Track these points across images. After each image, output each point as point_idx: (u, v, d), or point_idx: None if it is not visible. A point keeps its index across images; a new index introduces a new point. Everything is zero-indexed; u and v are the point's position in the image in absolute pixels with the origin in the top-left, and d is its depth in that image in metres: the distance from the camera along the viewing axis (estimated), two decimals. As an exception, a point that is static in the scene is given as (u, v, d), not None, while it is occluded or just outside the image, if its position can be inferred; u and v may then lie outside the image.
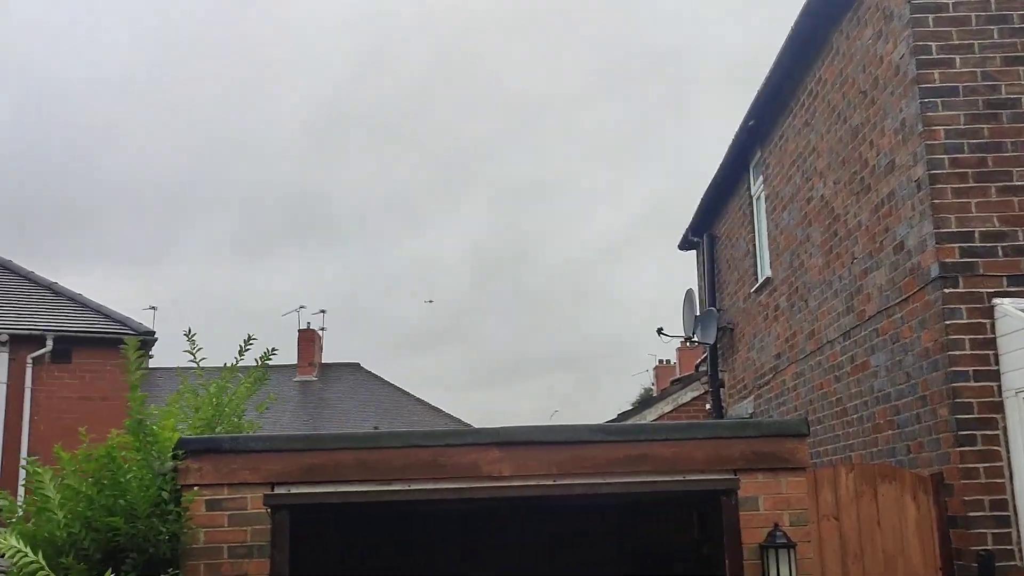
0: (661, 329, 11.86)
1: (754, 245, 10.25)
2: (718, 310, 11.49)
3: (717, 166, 10.64)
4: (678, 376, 15.14)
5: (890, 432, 6.47)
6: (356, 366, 27.15)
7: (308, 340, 26.78)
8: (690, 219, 12.30)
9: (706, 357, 12.04)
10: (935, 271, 5.75)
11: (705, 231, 12.15)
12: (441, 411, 25.13)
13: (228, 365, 5.22)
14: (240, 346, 5.17)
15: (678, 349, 27.71)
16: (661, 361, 31.00)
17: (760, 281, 9.86)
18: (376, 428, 21.43)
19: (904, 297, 6.23)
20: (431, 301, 40.86)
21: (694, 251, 13.18)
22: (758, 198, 10.23)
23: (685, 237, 12.74)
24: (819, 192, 7.93)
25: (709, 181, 11.10)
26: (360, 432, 4.85)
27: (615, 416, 12.29)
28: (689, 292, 11.84)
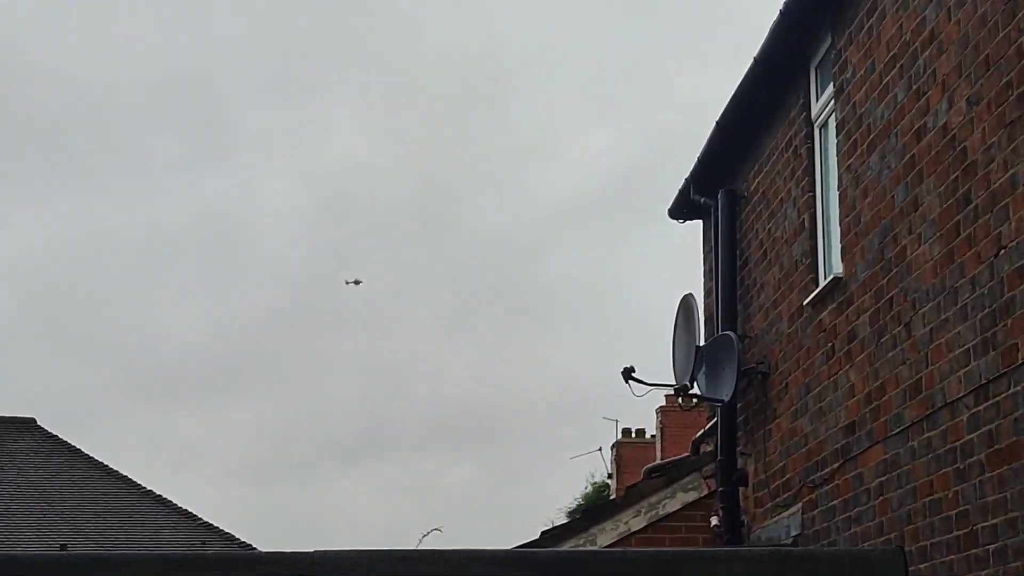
0: (631, 371, 11.82)
1: (812, 216, 10.40)
2: (741, 338, 11.61)
3: (749, 63, 10.75)
4: (659, 462, 15.24)
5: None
6: (30, 424, 26.97)
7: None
8: (693, 162, 12.45)
9: (715, 427, 12.13)
10: None
11: (721, 186, 12.31)
12: (202, 521, 25.03)
13: None
14: None
15: (661, 410, 28.20)
16: (628, 433, 31.43)
17: (822, 285, 9.95)
18: (64, 547, 21.12)
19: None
20: (357, 282, 46.15)
21: (698, 222, 13.30)
22: (823, 126, 10.37)
23: (683, 196, 12.90)
24: (940, 119, 8.03)
25: (733, 91, 11.26)
26: (36, 555, 4.68)
27: (538, 535, 12.17)
28: (687, 302, 11.94)
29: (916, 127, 8.33)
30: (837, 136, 9.76)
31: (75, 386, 57.07)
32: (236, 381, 65.47)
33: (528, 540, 12.20)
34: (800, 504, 10.21)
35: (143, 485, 25.70)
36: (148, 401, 61.05)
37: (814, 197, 10.40)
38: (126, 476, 25.87)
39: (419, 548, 4.51)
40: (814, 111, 10.45)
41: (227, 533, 24.71)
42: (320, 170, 64.87)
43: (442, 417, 62.23)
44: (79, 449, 26.30)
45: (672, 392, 12.25)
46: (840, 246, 9.68)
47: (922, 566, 7.90)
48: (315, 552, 4.34)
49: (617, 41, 69.80)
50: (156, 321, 59.85)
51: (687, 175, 12.64)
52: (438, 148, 66.26)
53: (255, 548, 22.91)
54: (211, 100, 66.00)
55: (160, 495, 25.52)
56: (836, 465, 9.48)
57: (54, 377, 56.53)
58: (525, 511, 56.13)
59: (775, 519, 10.82)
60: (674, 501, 12.30)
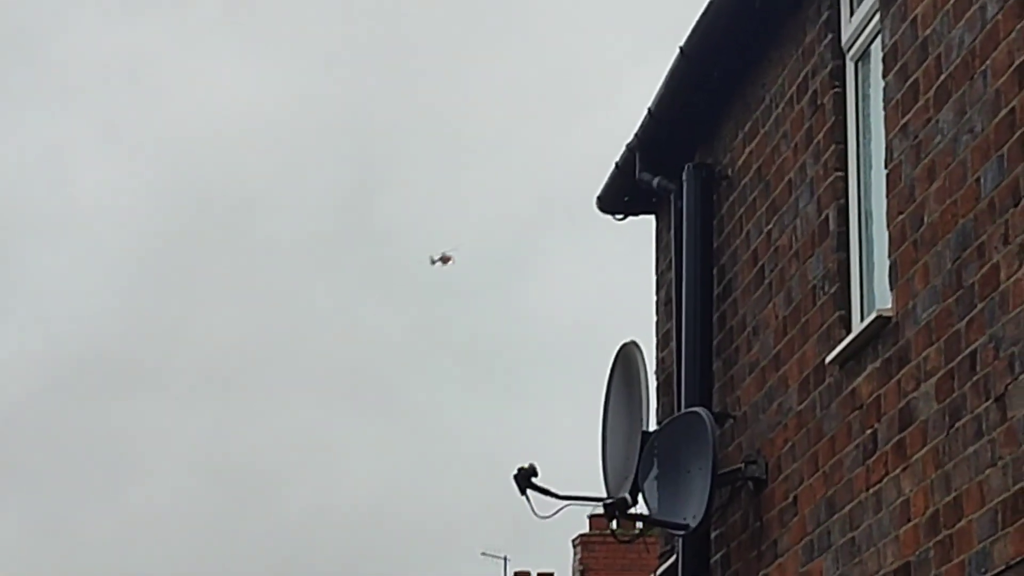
0: (529, 475, 11.83)
1: (842, 210, 10.51)
2: (718, 418, 11.72)
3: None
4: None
5: None
6: None
7: None
8: (638, 124, 12.69)
9: (673, 567, 12.25)
10: None
11: (686, 159, 12.50)
12: None
13: None
14: None
15: (583, 541, 28.04)
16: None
17: (858, 329, 10.07)
18: None
19: None
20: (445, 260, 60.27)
21: (649, 218, 13.47)
22: (860, 59, 10.51)
23: (622, 175, 13.15)
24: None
25: (705, 3, 11.46)
26: None
27: None
28: (627, 355, 12.07)
29: (1019, 62, 8.38)
30: (885, 76, 9.86)
31: None
32: None
33: None
34: None
35: None
36: None
37: (845, 179, 10.51)
38: None
39: None
40: (845, 33, 10.55)
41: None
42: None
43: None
44: None
45: (601, 511, 12.24)
46: (888, 264, 9.77)
47: None
48: None
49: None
50: None
51: (628, 141, 12.78)
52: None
53: None
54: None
55: None
56: (879, 640, 9.52)
57: None
58: None
59: None
60: None
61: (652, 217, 13.43)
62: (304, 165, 78.57)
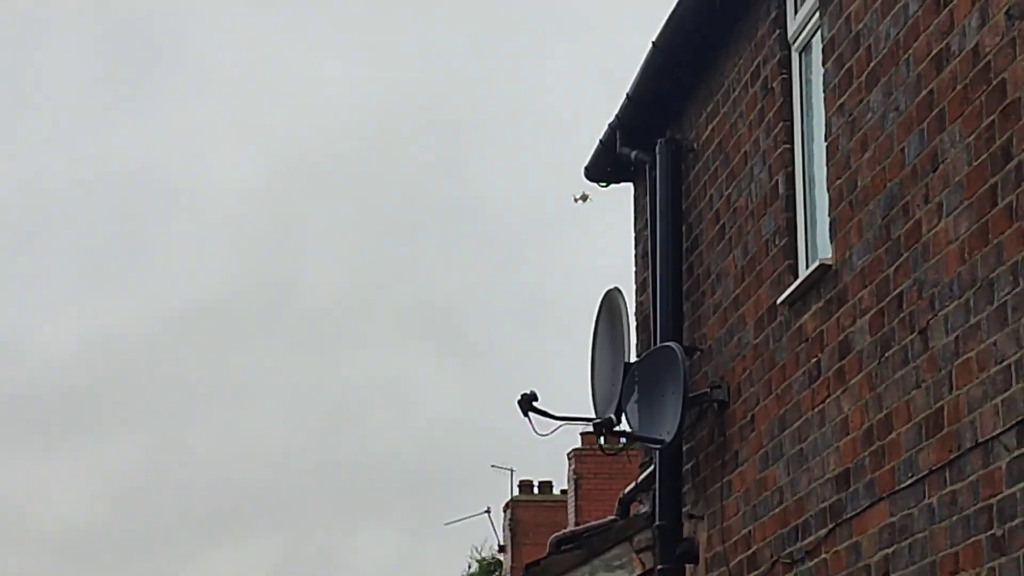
0: (532, 398, 11.83)
1: (789, 177, 10.50)
2: (688, 351, 11.70)
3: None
4: (573, 528, 15.28)
5: None
6: None
7: None
8: (619, 105, 12.58)
9: (651, 479, 12.21)
10: None
11: (659, 134, 12.42)
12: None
13: None
14: None
15: (576, 454, 28.03)
16: (528, 486, 31.23)
17: (804, 275, 10.07)
18: None
19: None
20: (585, 198, 60.05)
21: (628, 185, 13.48)
22: (804, 50, 10.47)
23: (606, 149, 13.04)
24: (969, 40, 8.10)
25: (674, 3, 11.36)
26: None
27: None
28: (611, 299, 12.06)
29: (936, 51, 8.38)
30: (824, 64, 9.83)
31: None
32: (107, 412, 71.14)
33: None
34: (772, 588, 10.29)
35: None
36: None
37: (791, 150, 10.48)
38: None
39: None
40: (791, 28, 10.52)
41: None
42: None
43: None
44: None
45: (591, 429, 12.23)
46: (828, 220, 9.77)
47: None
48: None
49: None
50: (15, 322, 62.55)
51: (611, 118, 12.71)
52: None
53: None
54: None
55: None
56: (823, 532, 9.57)
57: None
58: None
59: (737, 610, 10.90)
60: (592, 585, 12.32)
61: (631, 185, 13.40)
62: (395, 143, 79.69)
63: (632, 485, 13.10)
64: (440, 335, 74.65)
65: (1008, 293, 7.62)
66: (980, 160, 7.93)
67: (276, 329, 73.57)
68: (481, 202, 76.77)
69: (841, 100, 9.52)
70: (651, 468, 12.17)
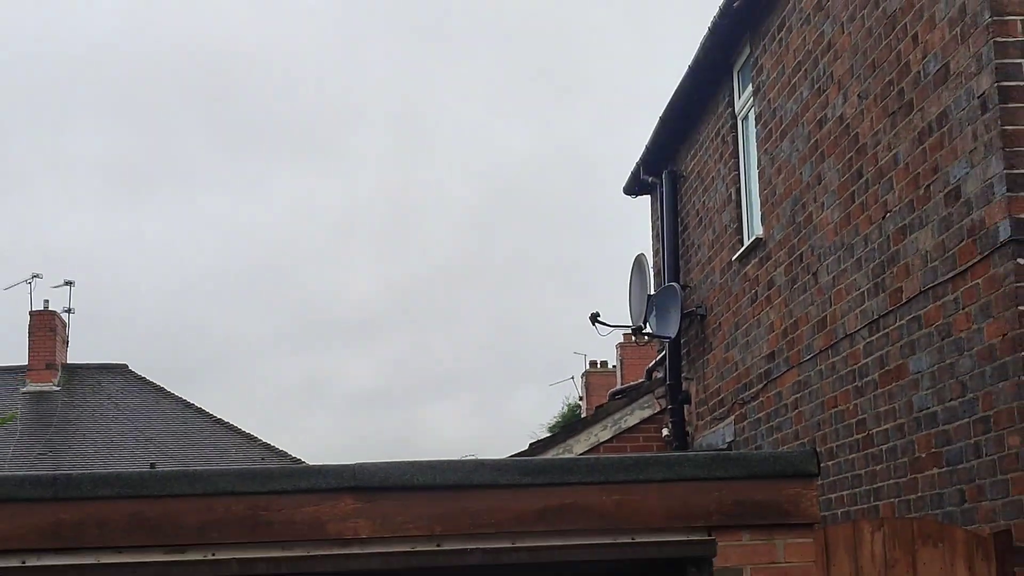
0: (597, 315, 11.90)
1: (737, 190, 10.41)
2: (683, 287, 11.64)
3: (685, 69, 10.75)
4: (620, 387, 15.32)
5: (936, 471, 6.61)
6: (122, 369, 26.80)
7: (45, 328, 26.04)
8: (642, 149, 12.44)
9: (664, 358, 12.17)
10: (1005, 232, 5.86)
11: (664, 167, 12.31)
12: (261, 442, 25.17)
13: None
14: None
15: (621, 346, 28.24)
16: (595, 364, 31.50)
17: (747, 244, 9.99)
18: (153, 466, 21.22)
19: (960, 270, 6.34)
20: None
21: (648, 196, 13.33)
22: (745, 118, 10.38)
23: (635, 176, 12.89)
24: (837, 111, 8.06)
25: (672, 92, 11.25)
26: (132, 472, 4.38)
27: (526, 447, 12.28)
28: (639, 260, 11.96)
29: (818, 118, 8.38)
30: (756, 126, 9.79)
31: (250, 333, 53.03)
32: (390, 326, 60.71)
33: (520, 450, 12.33)
34: (732, 417, 10.29)
35: (213, 414, 25.67)
36: (310, 345, 55.92)
37: (738, 175, 10.43)
38: (201, 408, 25.85)
39: (443, 460, 4.45)
40: (737, 106, 10.48)
41: (282, 451, 24.69)
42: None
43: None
44: (163, 388, 26.29)
45: (629, 331, 12.26)
46: (760, 213, 9.72)
47: (830, 463, 8.01)
48: (356, 465, 4.16)
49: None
50: (339, 278, 56.01)
51: (637, 159, 12.63)
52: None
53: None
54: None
55: (228, 422, 25.48)
56: (760, 386, 9.58)
57: (237, 324, 53.14)
58: (512, 429, 54.36)
59: (713, 430, 10.91)
60: (633, 417, 12.35)
61: (649, 197, 13.41)
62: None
63: (653, 362, 13.11)
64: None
65: (862, 252, 7.64)
66: (844, 178, 7.94)
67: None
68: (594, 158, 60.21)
69: (766, 146, 9.48)
70: (663, 352, 12.23)
